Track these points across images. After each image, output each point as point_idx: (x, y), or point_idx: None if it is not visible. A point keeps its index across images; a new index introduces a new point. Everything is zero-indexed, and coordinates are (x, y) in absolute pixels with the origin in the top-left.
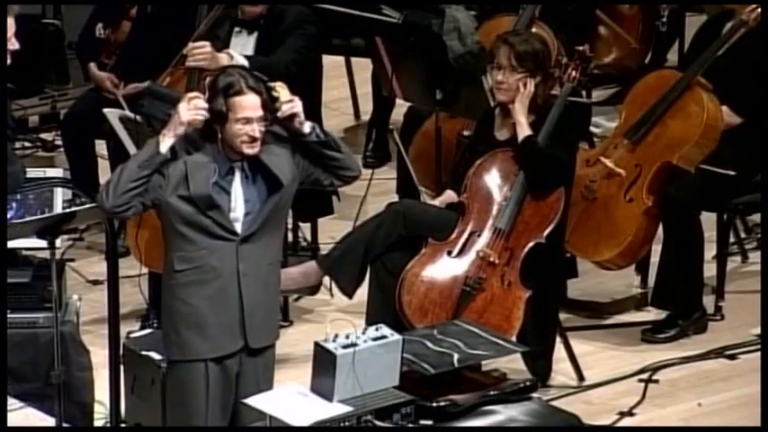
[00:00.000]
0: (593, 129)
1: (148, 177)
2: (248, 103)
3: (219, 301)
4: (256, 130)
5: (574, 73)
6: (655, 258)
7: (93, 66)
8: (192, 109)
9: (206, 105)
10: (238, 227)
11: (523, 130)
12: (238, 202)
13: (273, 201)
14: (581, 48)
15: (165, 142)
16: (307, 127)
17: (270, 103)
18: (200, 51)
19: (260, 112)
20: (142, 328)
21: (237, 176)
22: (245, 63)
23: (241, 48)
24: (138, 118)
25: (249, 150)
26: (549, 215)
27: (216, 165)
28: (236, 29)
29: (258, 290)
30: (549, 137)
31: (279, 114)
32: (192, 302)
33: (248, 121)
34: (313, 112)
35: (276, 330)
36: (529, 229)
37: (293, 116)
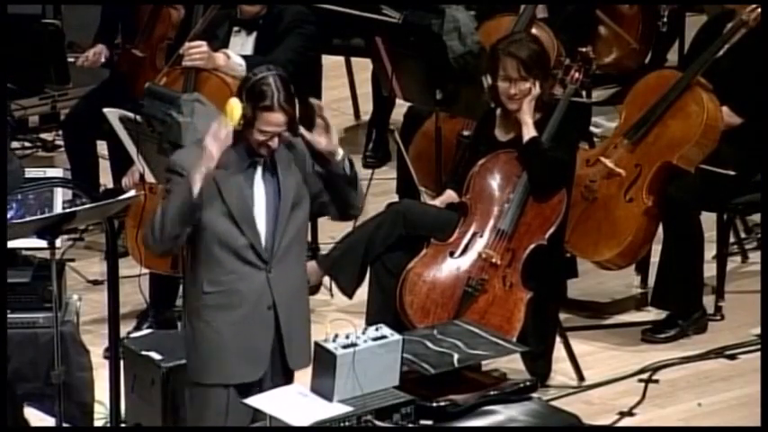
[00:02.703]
0: (593, 129)
1: (192, 217)
2: (274, 120)
3: (241, 328)
4: (275, 142)
5: (576, 74)
6: (655, 258)
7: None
8: (218, 140)
9: (230, 133)
10: (261, 225)
11: (529, 131)
12: (259, 196)
13: (293, 221)
14: (583, 49)
15: (196, 185)
16: (339, 155)
17: (294, 121)
18: (196, 51)
19: (283, 128)
20: (137, 327)
21: (259, 171)
22: (243, 63)
23: (240, 47)
24: (138, 118)
25: (264, 152)
26: (551, 217)
27: (240, 161)
28: (235, 29)
29: (292, 314)
30: (552, 138)
31: (314, 144)
32: (215, 326)
33: (271, 134)
34: (313, 112)
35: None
36: (531, 230)
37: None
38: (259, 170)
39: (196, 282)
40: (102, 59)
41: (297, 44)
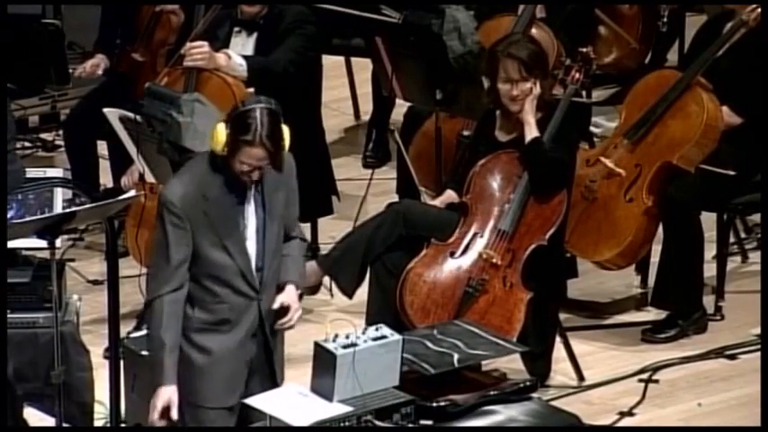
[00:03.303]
0: (593, 129)
1: None
2: (254, 155)
3: (227, 354)
4: (255, 174)
5: (577, 75)
6: (655, 258)
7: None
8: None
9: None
10: (251, 246)
11: (532, 131)
12: (251, 218)
13: (279, 240)
14: (584, 49)
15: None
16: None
17: (277, 156)
18: (197, 51)
19: (264, 162)
20: (137, 327)
21: (251, 192)
22: (244, 63)
23: (241, 48)
24: (138, 118)
25: (246, 180)
26: (551, 217)
27: (230, 186)
28: (236, 29)
29: (278, 334)
30: (553, 139)
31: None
32: (202, 349)
33: (251, 167)
34: (313, 112)
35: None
36: (531, 231)
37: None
38: (251, 191)
39: (187, 301)
40: (100, 71)
41: (297, 44)
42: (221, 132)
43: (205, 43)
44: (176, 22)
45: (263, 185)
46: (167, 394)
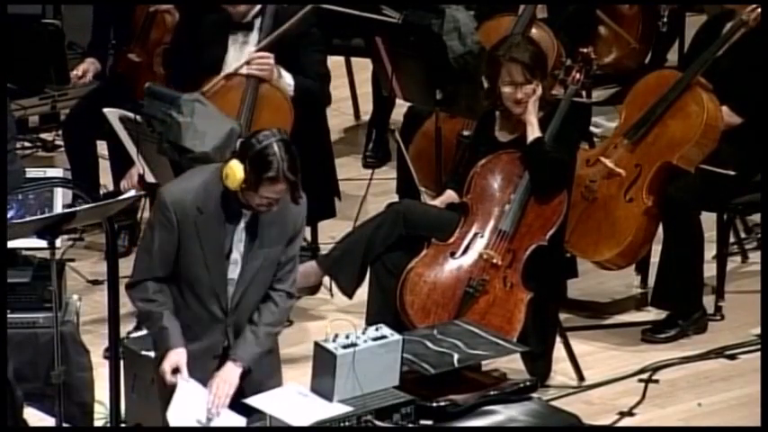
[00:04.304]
0: (593, 129)
1: None
2: (278, 189)
3: (190, 365)
4: (274, 207)
5: (577, 75)
6: (655, 258)
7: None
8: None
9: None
10: (235, 271)
11: (534, 131)
12: (238, 244)
13: (262, 279)
14: (584, 50)
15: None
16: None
17: (297, 187)
18: (265, 62)
19: (283, 195)
20: (137, 327)
21: (243, 222)
22: (292, 83)
23: (240, 49)
24: (138, 118)
25: (263, 210)
26: (551, 218)
27: (226, 210)
28: (232, 31)
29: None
30: (553, 139)
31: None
32: None
33: (270, 200)
34: (317, 114)
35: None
36: (531, 231)
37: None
38: (243, 221)
39: None
40: (89, 77)
41: (319, 57)
42: (238, 170)
43: (271, 55)
44: (171, 22)
45: (257, 216)
46: (175, 356)
